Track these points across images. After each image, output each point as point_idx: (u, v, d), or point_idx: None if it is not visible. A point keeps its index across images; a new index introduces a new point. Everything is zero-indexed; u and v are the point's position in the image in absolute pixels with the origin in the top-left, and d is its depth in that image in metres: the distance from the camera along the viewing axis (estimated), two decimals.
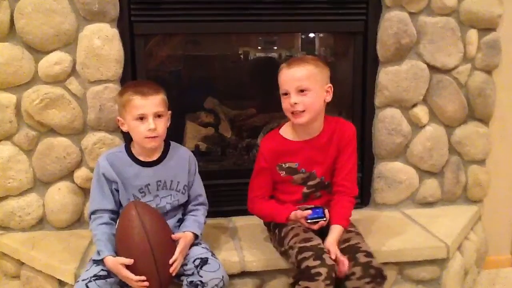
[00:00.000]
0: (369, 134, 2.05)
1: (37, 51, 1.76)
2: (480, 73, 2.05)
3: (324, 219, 1.58)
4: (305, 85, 1.56)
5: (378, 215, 2.03)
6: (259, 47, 2.40)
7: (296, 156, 1.66)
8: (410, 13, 1.94)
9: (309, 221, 1.58)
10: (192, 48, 2.13)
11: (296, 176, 1.67)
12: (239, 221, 1.96)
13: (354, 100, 2.05)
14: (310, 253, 1.45)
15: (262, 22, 1.91)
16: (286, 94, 1.58)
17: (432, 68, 2.00)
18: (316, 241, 1.52)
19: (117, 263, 1.44)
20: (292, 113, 1.58)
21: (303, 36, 2.38)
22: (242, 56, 2.36)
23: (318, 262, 1.42)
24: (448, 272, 1.82)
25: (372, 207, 2.10)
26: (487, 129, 2.11)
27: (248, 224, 1.89)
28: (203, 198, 1.71)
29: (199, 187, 1.70)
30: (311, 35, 2.36)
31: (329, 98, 1.62)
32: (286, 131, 1.69)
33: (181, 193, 1.64)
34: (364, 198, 2.10)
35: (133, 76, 1.85)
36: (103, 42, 1.76)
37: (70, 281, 1.63)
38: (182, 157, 1.65)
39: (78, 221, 1.91)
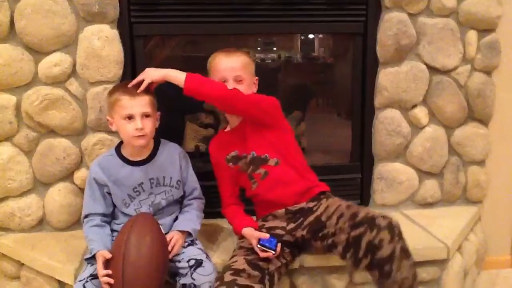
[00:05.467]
0: (368, 135, 2.05)
1: (37, 52, 1.76)
2: (479, 74, 2.05)
3: (273, 252, 1.52)
4: (242, 75, 1.65)
5: None
6: (258, 48, 2.40)
7: (234, 145, 1.70)
8: (410, 14, 1.95)
9: (259, 245, 1.53)
10: (191, 49, 2.13)
11: (240, 162, 1.69)
12: None
13: (354, 101, 2.05)
14: (217, 274, 1.51)
15: (261, 23, 1.92)
16: (224, 81, 1.63)
17: (432, 69, 2.01)
18: (236, 257, 1.54)
19: (98, 255, 1.47)
20: None
21: (302, 37, 2.39)
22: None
23: (217, 283, 1.46)
24: (448, 273, 1.82)
25: (372, 207, 2.09)
26: (487, 130, 2.11)
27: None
28: (198, 192, 1.73)
29: (193, 182, 1.72)
30: (310, 36, 2.37)
31: (255, 89, 1.71)
32: (227, 127, 1.77)
33: (175, 188, 1.67)
34: (364, 198, 2.10)
35: (133, 77, 1.83)
36: (103, 43, 1.77)
37: (70, 282, 1.63)
38: (173, 153, 1.68)
39: (78, 222, 1.90)
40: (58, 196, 1.87)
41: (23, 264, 1.81)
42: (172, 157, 1.68)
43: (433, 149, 2.06)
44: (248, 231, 1.59)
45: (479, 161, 2.13)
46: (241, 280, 1.44)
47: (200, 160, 1.95)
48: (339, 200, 1.62)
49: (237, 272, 1.47)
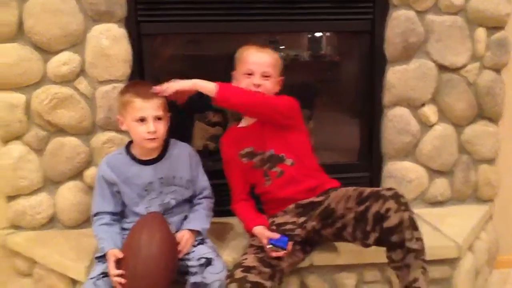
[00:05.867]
0: (377, 133, 2.04)
1: (46, 51, 1.78)
2: (489, 71, 2.04)
3: (285, 251, 1.53)
4: (270, 71, 1.65)
5: None
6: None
7: (249, 140, 1.70)
8: (417, 12, 1.94)
9: (269, 245, 1.54)
10: (198, 48, 2.14)
11: (255, 159, 1.69)
12: None
13: (362, 99, 2.04)
14: (228, 272, 1.51)
15: (268, 22, 1.92)
16: (250, 74, 1.64)
17: (441, 67, 1.99)
18: (247, 255, 1.55)
19: (110, 254, 1.47)
20: None
21: (309, 36, 2.38)
22: None
23: (228, 280, 1.46)
24: (459, 272, 1.80)
25: None
26: (497, 128, 2.09)
27: None
28: (208, 191, 1.73)
29: (203, 181, 1.72)
30: (318, 34, 2.36)
31: (278, 89, 1.71)
32: (240, 123, 1.77)
33: (184, 188, 1.66)
34: None
35: (140, 75, 1.87)
36: (111, 42, 1.78)
37: (82, 279, 1.64)
38: (183, 153, 1.68)
39: (88, 220, 1.90)
40: (68, 194, 1.89)
41: (35, 262, 1.82)
42: (182, 156, 1.68)
43: (443, 147, 2.05)
44: (259, 230, 1.60)
45: (489, 160, 2.11)
46: (252, 277, 1.44)
47: (209, 159, 1.95)
48: (345, 188, 1.62)
49: (248, 269, 1.47)
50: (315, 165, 1.73)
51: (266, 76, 1.65)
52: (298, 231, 1.63)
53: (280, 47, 2.23)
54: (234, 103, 1.56)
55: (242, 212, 1.72)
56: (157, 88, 1.55)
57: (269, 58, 1.67)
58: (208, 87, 1.54)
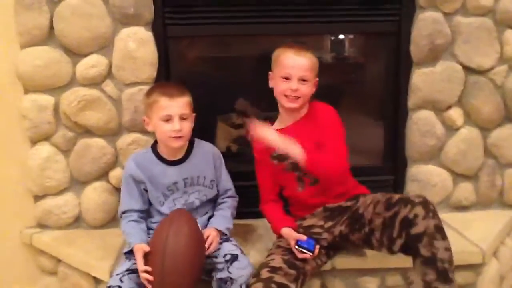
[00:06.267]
0: (402, 136, 2.03)
1: (75, 54, 1.81)
2: None
3: (311, 254, 1.54)
4: (307, 76, 1.62)
5: None
6: None
7: None
8: (445, 13, 1.91)
9: (297, 246, 1.55)
10: (224, 50, 2.15)
11: (286, 162, 1.66)
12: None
13: (387, 102, 2.03)
14: (253, 271, 1.51)
15: (293, 24, 1.92)
16: (287, 78, 1.62)
17: (467, 69, 1.97)
18: (274, 256, 1.55)
19: (137, 248, 1.49)
20: (286, 96, 1.62)
21: (334, 37, 2.37)
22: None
23: (254, 279, 1.47)
24: (483, 278, 1.79)
25: None
26: None
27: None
28: (232, 191, 1.75)
29: (227, 181, 1.74)
30: (342, 35, 2.35)
31: (314, 90, 1.68)
32: (275, 122, 1.75)
33: (208, 188, 1.69)
34: None
35: (166, 78, 1.88)
36: (138, 45, 1.80)
37: (105, 279, 1.67)
38: (207, 153, 1.70)
39: (112, 220, 1.95)
40: (94, 194, 1.92)
41: (60, 260, 1.86)
42: (206, 156, 1.69)
43: (468, 151, 2.02)
44: (287, 231, 1.60)
45: None
46: (278, 278, 1.45)
47: (232, 160, 1.96)
48: (374, 194, 1.61)
49: (274, 270, 1.48)
50: (348, 172, 1.71)
51: (304, 80, 1.62)
52: (325, 235, 1.64)
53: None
54: (317, 173, 1.57)
55: (271, 213, 1.72)
56: (250, 128, 1.56)
57: (307, 62, 1.63)
58: (297, 155, 1.52)
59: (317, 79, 1.68)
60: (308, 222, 1.68)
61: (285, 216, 1.70)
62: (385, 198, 1.52)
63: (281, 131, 1.69)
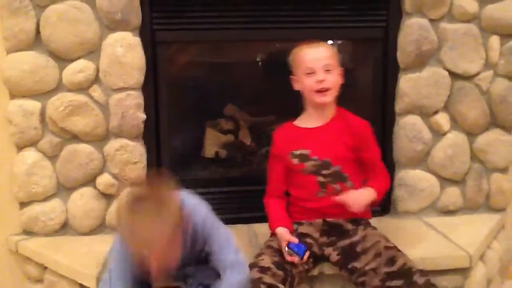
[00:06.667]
0: (389, 141, 2.04)
1: (62, 59, 1.79)
2: (502, 79, 2.02)
3: (300, 259, 1.53)
4: (331, 64, 1.60)
5: (399, 223, 2.01)
6: (278, 54, 2.41)
7: (308, 143, 1.64)
8: (431, 20, 1.93)
9: (287, 248, 1.54)
10: (212, 55, 2.15)
11: (308, 163, 1.63)
12: (259, 228, 1.95)
13: (375, 107, 2.04)
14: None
15: (282, 30, 1.93)
16: (311, 72, 1.59)
17: (454, 75, 1.98)
18: (264, 256, 1.54)
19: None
20: (317, 91, 1.59)
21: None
22: (261, 63, 2.38)
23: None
24: (470, 282, 1.79)
25: (393, 215, 2.08)
26: (510, 137, 2.07)
27: (268, 231, 1.89)
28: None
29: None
30: (330, 42, 2.36)
31: (341, 81, 1.65)
32: (298, 120, 1.72)
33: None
34: (384, 206, 2.07)
35: (154, 83, 1.87)
36: (125, 50, 1.79)
37: (92, 286, 1.65)
38: None
39: (100, 227, 1.93)
40: (81, 200, 1.90)
41: (46, 268, 1.84)
42: None
43: (455, 155, 2.04)
44: (282, 232, 1.58)
45: (502, 168, 2.10)
46: (267, 278, 1.44)
47: (220, 166, 1.96)
48: (378, 234, 1.59)
49: (264, 270, 1.47)
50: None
51: (328, 70, 1.60)
52: (315, 248, 1.62)
53: None
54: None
55: (273, 209, 1.69)
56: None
57: (325, 50, 1.62)
58: (373, 198, 1.58)
59: (342, 68, 1.66)
60: (305, 229, 1.65)
61: (286, 215, 1.67)
62: (386, 257, 1.48)
63: (310, 130, 1.66)
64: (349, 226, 1.63)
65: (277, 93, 2.33)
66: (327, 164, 1.63)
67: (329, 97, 1.61)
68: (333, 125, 1.66)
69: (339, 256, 1.59)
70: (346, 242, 1.60)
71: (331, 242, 1.62)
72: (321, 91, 1.60)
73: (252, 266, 1.50)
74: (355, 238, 1.59)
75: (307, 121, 1.69)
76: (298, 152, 1.64)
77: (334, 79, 1.61)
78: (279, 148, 1.69)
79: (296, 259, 1.53)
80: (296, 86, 1.67)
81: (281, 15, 1.89)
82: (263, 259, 1.53)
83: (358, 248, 1.55)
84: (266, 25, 1.90)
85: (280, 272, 1.49)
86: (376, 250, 1.51)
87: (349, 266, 1.54)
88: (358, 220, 1.65)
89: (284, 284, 1.48)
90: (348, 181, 1.64)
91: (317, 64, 1.59)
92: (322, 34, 2.01)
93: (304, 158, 1.64)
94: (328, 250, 1.62)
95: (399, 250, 1.53)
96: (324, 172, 1.63)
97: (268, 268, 1.48)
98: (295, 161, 1.65)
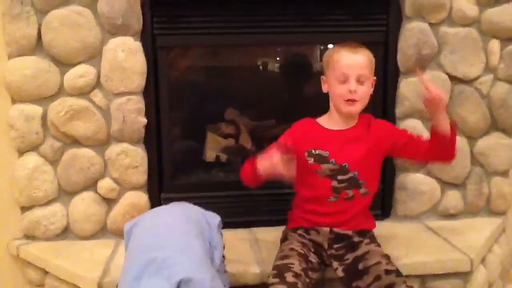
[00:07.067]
0: None
1: (63, 64, 1.80)
2: (502, 83, 2.03)
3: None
4: (365, 74, 1.53)
5: (400, 227, 2.01)
6: (278, 58, 2.42)
7: (327, 144, 1.59)
8: (431, 24, 1.94)
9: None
10: (213, 60, 2.15)
11: (324, 165, 1.58)
12: (259, 232, 1.96)
13: (375, 111, 2.03)
14: (274, 271, 1.45)
15: (282, 34, 1.93)
16: (344, 79, 1.53)
17: (454, 79, 1.99)
18: (292, 259, 1.49)
19: None
20: (346, 101, 1.54)
21: (321, 47, 2.39)
22: (261, 67, 2.38)
23: (277, 280, 1.40)
24: (471, 285, 1.79)
25: (394, 219, 2.08)
26: (510, 140, 2.08)
27: (269, 235, 1.89)
28: None
29: None
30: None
31: (372, 91, 1.59)
32: (321, 119, 1.67)
33: None
34: (385, 209, 2.08)
35: (155, 87, 1.88)
36: (126, 55, 1.80)
37: None
38: None
39: (101, 231, 1.93)
40: (82, 205, 1.90)
41: (47, 272, 1.84)
42: None
43: (456, 159, 2.01)
44: (261, 159, 1.47)
45: (503, 172, 2.10)
46: (300, 285, 1.40)
47: (220, 170, 1.96)
48: (379, 254, 1.55)
49: (298, 276, 1.43)
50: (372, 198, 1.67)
51: (362, 81, 1.52)
52: (324, 259, 1.61)
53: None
54: (451, 145, 1.56)
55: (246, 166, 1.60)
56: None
57: (363, 58, 1.53)
58: (448, 126, 1.54)
59: (375, 78, 1.60)
60: (313, 237, 1.62)
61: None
62: (385, 283, 1.44)
63: (332, 132, 1.61)
64: (356, 238, 1.60)
65: (278, 97, 2.34)
66: (344, 169, 1.59)
67: (358, 108, 1.56)
68: (356, 130, 1.61)
69: (343, 273, 1.56)
70: (351, 257, 1.57)
71: (339, 256, 1.59)
72: (350, 100, 1.54)
73: (285, 269, 1.44)
74: (359, 253, 1.56)
75: (330, 122, 1.64)
76: (316, 151, 1.59)
77: (366, 91, 1.54)
78: (294, 137, 1.61)
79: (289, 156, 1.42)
80: (324, 88, 1.61)
81: (281, 20, 1.90)
82: (293, 264, 1.47)
83: (361, 266, 1.51)
84: (266, 29, 1.90)
85: (308, 280, 1.46)
86: (376, 272, 1.48)
87: (353, 285, 1.51)
88: (365, 231, 1.63)
89: None
90: (362, 188, 1.61)
91: (352, 72, 1.51)
92: (323, 38, 2.02)
93: (321, 159, 1.58)
94: (335, 264, 1.59)
95: (398, 275, 1.46)
96: (340, 177, 1.59)
97: (301, 275, 1.44)
98: (311, 160, 1.59)
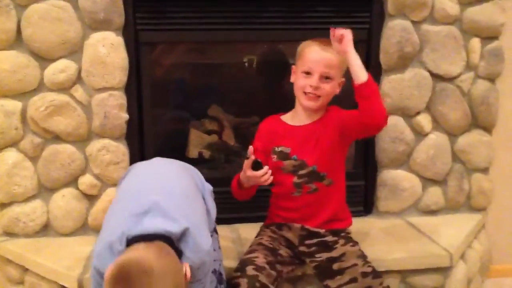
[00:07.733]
0: (372, 142, 2.05)
1: (43, 59, 1.78)
2: (483, 81, 2.06)
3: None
4: (331, 73, 1.53)
5: (381, 223, 2.03)
6: (262, 55, 2.41)
7: (290, 140, 1.61)
8: (413, 22, 1.95)
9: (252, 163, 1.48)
10: (197, 56, 2.15)
11: (286, 162, 1.60)
12: (242, 229, 1.96)
13: (356, 108, 2.04)
14: (238, 265, 1.48)
15: (266, 31, 1.93)
16: (308, 73, 1.53)
17: (435, 76, 2.01)
18: (257, 253, 1.51)
19: None
20: (305, 93, 1.54)
21: None
22: (246, 64, 2.38)
23: (238, 274, 1.44)
24: (451, 281, 1.82)
25: (375, 215, 2.09)
26: (490, 137, 2.11)
27: (252, 232, 1.89)
28: None
29: None
30: None
31: (338, 91, 1.60)
32: (286, 116, 1.68)
33: None
34: (367, 206, 2.10)
35: (138, 83, 1.87)
36: (108, 50, 1.78)
37: (73, 287, 1.63)
38: None
39: (82, 228, 1.91)
40: (63, 201, 1.88)
41: (27, 269, 1.81)
42: None
43: (437, 156, 2.06)
44: (242, 177, 1.54)
45: (483, 169, 2.13)
46: (262, 278, 1.43)
47: (204, 167, 1.95)
48: (356, 254, 1.56)
49: (259, 269, 1.45)
50: (344, 190, 1.69)
51: (326, 78, 1.52)
52: (293, 253, 1.62)
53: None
54: (373, 98, 1.45)
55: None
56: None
57: (332, 57, 1.51)
58: (363, 71, 1.44)
59: (344, 79, 1.59)
60: (285, 234, 1.64)
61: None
62: (364, 286, 1.47)
63: (294, 128, 1.62)
64: (329, 238, 1.61)
65: (261, 94, 2.34)
66: (304, 164, 1.61)
67: (317, 104, 1.56)
68: (316, 124, 1.61)
69: (315, 271, 1.59)
70: (324, 256, 1.58)
71: (310, 253, 1.61)
72: (309, 94, 1.54)
73: (247, 262, 1.48)
74: (334, 254, 1.57)
75: (293, 118, 1.65)
76: (279, 149, 1.61)
77: (328, 89, 1.54)
78: (261, 139, 1.65)
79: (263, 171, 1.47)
80: (292, 79, 1.61)
81: (265, 17, 1.89)
82: (257, 257, 1.50)
83: (335, 266, 1.53)
84: (250, 26, 1.90)
85: (273, 273, 1.48)
86: (352, 275, 1.49)
87: (324, 283, 1.54)
88: (339, 231, 1.64)
89: (273, 284, 1.47)
90: (325, 179, 1.61)
91: (317, 68, 1.52)
92: (306, 35, 2.01)
93: (284, 156, 1.61)
94: (307, 260, 1.61)
95: (375, 277, 1.49)
96: (300, 172, 1.61)
97: (263, 268, 1.46)
98: (274, 157, 1.62)
